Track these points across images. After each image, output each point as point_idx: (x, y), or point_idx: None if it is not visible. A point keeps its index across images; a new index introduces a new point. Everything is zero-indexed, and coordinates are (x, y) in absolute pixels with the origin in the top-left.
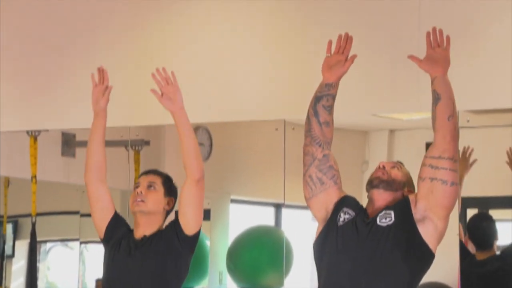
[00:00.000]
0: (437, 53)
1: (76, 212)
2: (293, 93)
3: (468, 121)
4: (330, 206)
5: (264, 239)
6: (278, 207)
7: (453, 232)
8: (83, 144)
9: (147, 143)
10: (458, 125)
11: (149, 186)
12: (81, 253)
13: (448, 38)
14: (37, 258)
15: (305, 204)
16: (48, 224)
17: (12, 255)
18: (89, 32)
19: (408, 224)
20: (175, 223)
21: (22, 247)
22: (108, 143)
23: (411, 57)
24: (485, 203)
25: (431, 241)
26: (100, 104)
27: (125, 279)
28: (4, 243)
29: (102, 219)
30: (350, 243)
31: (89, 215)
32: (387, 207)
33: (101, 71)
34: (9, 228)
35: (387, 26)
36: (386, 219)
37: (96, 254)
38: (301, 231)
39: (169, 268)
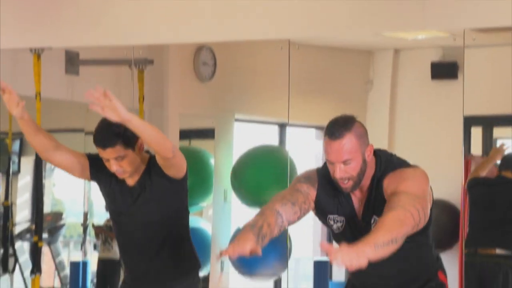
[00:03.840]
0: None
1: (81, 130)
2: (298, 13)
3: (474, 39)
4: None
5: (268, 158)
6: (282, 126)
7: (458, 150)
8: (87, 62)
9: (150, 62)
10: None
11: (117, 158)
12: None
13: None
14: (43, 174)
15: (309, 123)
16: None
17: (18, 171)
18: None
19: None
20: (162, 172)
21: (27, 164)
22: (112, 62)
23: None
24: (489, 122)
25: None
26: (18, 114)
27: (140, 227)
28: (9, 159)
29: (83, 172)
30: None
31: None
32: (375, 213)
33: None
34: (15, 144)
35: None
36: None
37: None
38: (305, 149)
39: (173, 201)
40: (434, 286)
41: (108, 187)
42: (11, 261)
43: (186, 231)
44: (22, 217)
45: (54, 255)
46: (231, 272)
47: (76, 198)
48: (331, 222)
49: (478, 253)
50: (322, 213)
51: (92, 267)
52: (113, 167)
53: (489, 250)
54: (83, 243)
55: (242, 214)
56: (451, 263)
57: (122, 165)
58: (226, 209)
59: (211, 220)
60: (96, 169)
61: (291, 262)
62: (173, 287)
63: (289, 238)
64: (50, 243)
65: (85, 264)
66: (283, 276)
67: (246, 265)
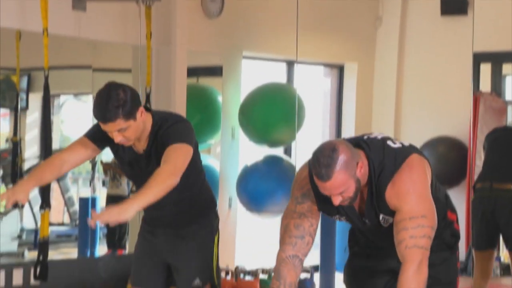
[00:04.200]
0: None
1: (88, 67)
2: None
3: None
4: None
5: (277, 96)
6: (290, 63)
7: (466, 87)
8: None
9: None
10: None
11: (119, 130)
12: None
13: None
14: (51, 111)
15: (317, 60)
16: (61, 78)
17: (26, 107)
18: None
19: None
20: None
21: (35, 100)
22: None
23: None
24: (498, 58)
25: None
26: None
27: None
28: (17, 95)
29: (93, 153)
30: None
31: (101, 69)
32: (382, 212)
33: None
34: (23, 81)
35: None
36: (388, 222)
37: None
38: (313, 87)
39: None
40: (443, 225)
41: (115, 154)
42: None
43: (201, 180)
44: (31, 153)
45: (63, 191)
46: (239, 209)
47: None
48: (337, 220)
49: (493, 187)
50: (326, 214)
51: (101, 203)
52: (117, 138)
53: (504, 185)
54: (91, 179)
55: (250, 151)
56: (459, 200)
57: (126, 135)
58: (234, 146)
59: (219, 158)
60: (101, 142)
61: None
62: (191, 226)
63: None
64: (59, 179)
65: (94, 200)
66: None
67: (254, 202)
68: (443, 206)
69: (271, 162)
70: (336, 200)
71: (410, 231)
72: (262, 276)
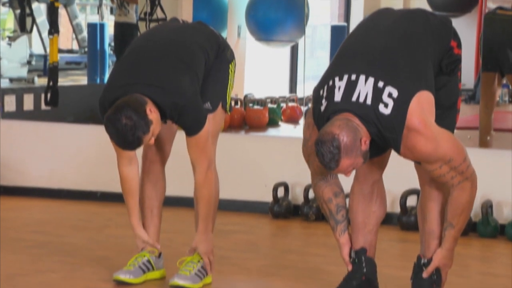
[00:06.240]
0: None
1: None
2: None
3: None
4: None
5: None
6: None
7: None
8: None
9: None
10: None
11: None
12: None
13: None
14: None
15: None
16: None
17: None
18: None
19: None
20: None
21: None
22: None
23: None
24: None
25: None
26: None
27: None
28: None
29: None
30: None
31: None
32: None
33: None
34: None
35: None
36: None
37: None
38: None
39: None
40: (440, 56)
41: None
42: (28, 21)
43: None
44: None
45: (71, 17)
46: (248, 37)
47: None
48: None
49: (497, 12)
50: None
51: (110, 30)
52: (152, 143)
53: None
54: (99, 6)
55: None
56: (471, 26)
57: (154, 135)
58: None
59: None
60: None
61: (308, 29)
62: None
63: (307, 3)
64: (66, 5)
65: (102, 26)
66: (300, 42)
67: (263, 31)
68: (446, 38)
69: None
70: (348, 174)
71: (447, 175)
72: (270, 105)
